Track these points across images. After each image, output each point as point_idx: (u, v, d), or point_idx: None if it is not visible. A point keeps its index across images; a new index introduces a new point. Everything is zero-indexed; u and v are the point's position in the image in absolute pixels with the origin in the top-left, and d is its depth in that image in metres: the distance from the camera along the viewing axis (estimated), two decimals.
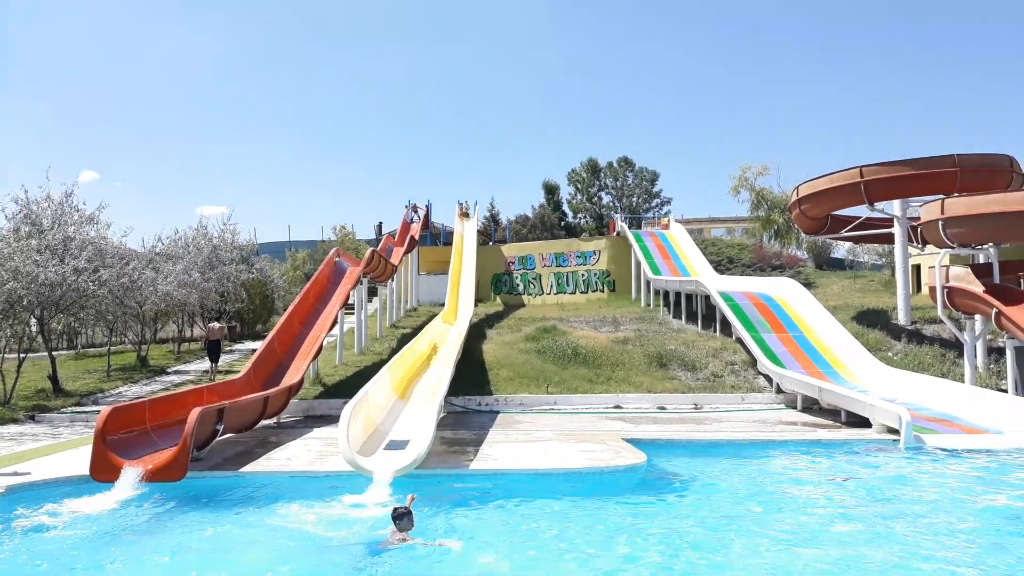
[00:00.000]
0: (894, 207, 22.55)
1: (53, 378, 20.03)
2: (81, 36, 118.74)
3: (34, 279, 17.40)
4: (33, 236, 18.74)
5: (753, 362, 19.18)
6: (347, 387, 17.06)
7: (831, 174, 21.82)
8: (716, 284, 24.51)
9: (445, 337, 19.53)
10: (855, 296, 29.12)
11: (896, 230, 22.89)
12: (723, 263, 35.89)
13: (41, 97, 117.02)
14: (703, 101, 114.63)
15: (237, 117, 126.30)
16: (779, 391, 17.54)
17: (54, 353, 21.41)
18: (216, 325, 23.27)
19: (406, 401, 13.86)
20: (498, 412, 16.59)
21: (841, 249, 44.70)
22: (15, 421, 16.51)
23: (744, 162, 49.34)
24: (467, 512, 8.71)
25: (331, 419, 14.72)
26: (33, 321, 20.23)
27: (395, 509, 7.45)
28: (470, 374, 18.59)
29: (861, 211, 23.22)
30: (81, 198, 21.27)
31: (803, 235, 33.62)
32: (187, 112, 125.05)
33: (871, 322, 22.41)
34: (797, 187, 23.55)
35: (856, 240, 30.16)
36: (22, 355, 19.66)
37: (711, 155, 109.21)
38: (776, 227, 38.39)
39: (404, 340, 21.47)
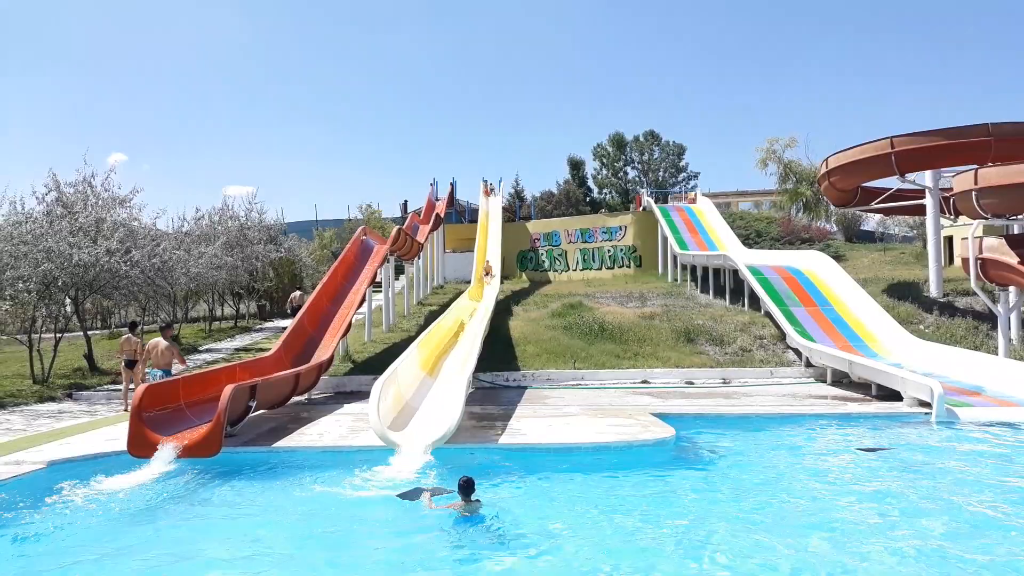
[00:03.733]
0: (926, 178, 22.16)
1: (89, 357, 20.45)
2: (107, 17, 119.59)
3: (68, 260, 17.72)
4: (65, 218, 19.05)
5: (782, 336, 19.06)
6: (376, 364, 17.23)
7: (861, 145, 21.47)
8: (744, 258, 24.32)
9: (472, 314, 19.61)
10: (885, 269, 28.73)
11: (928, 201, 22.51)
12: (751, 237, 35.51)
13: (69, 79, 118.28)
14: (730, 74, 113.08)
15: (264, 98, 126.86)
16: (808, 365, 17.44)
17: (89, 333, 21.84)
18: (298, 293, 24.81)
19: (435, 377, 13.98)
20: (526, 388, 16.68)
21: (871, 221, 44.07)
22: (53, 399, 16.90)
23: (772, 134, 48.52)
24: (497, 486, 8.79)
25: (361, 395, 14.90)
26: (68, 301, 20.64)
27: (466, 479, 7.54)
28: (497, 350, 18.68)
29: (892, 183, 22.84)
30: (116, 182, 21.62)
31: (832, 208, 33.17)
32: (213, 93, 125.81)
33: (902, 295, 22.13)
34: (826, 159, 23.21)
35: (887, 212, 29.70)
36: (58, 335, 20.08)
37: (738, 128, 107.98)
38: (804, 200, 37.86)
39: (431, 317, 21.59)
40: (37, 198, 19.62)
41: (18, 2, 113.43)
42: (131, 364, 15.48)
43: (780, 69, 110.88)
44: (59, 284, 18.26)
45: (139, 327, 17.64)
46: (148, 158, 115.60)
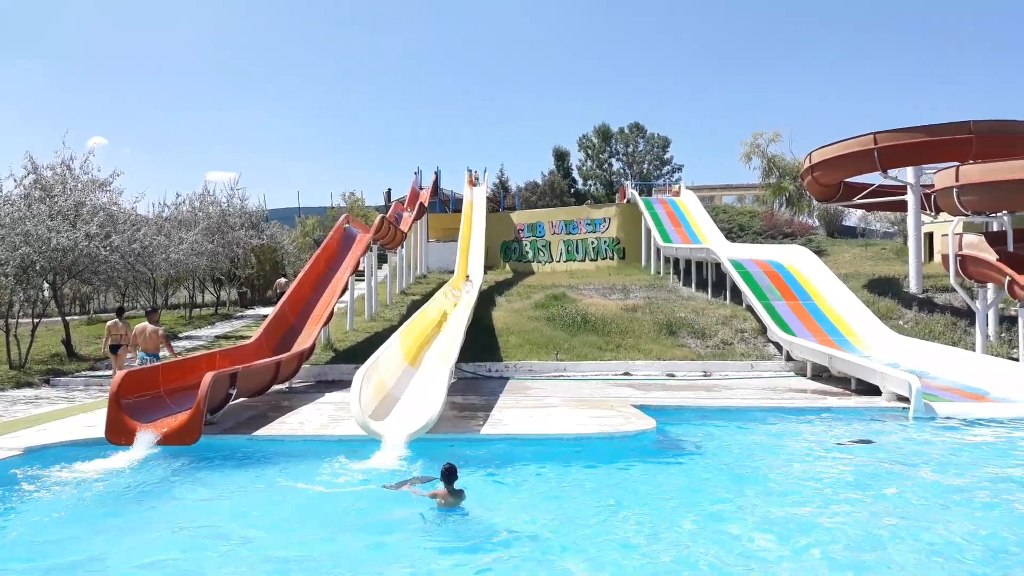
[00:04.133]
0: (908, 174, 22.32)
1: (67, 343, 20.22)
2: (90, 0, 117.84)
3: (46, 244, 17.48)
4: (43, 201, 18.79)
5: (763, 330, 19.17)
6: (358, 353, 17.15)
7: (844, 140, 21.60)
8: (727, 251, 24.41)
9: (455, 304, 19.56)
10: (867, 264, 28.98)
11: (909, 197, 22.68)
12: (734, 230, 35.70)
13: (47, 62, 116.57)
14: (716, 67, 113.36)
15: (246, 84, 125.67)
16: (789, 359, 17.55)
17: (67, 318, 21.59)
18: (283, 279, 24.71)
19: (417, 367, 13.93)
20: (508, 378, 16.68)
21: (853, 217, 44.44)
22: (31, 385, 16.72)
23: (756, 129, 48.89)
24: (479, 476, 8.78)
25: (343, 384, 14.83)
26: (46, 286, 20.38)
27: (448, 466, 7.49)
28: (480, 340, 18.65)
29: (874, 178, 23.02)
30: (96, 164, 21.35)
31: (815, 202, 33.41)
32: (197, 79, 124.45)
33: (882, 290, 22.32)
34: (810, 154, 23.34)
35: (868, 208, 29.96)
36: (36, 320, 19.83)
37: (723, 122, 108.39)
38: (788, 194, 38.15)
39: (414, 307, 21.53)
40: (15, 180, 19.34)
41: None
42: (116, 349, 15.65)
43: (766, 64, 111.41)
44: (37, 268, 18.05)
45: (125, 312, 17.58)
46: (129, 142, 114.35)
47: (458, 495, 7.39)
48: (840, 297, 19.72)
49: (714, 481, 8.67)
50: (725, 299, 22.63)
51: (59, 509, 7.81)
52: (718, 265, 23.60)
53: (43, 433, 10.67)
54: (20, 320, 19.39)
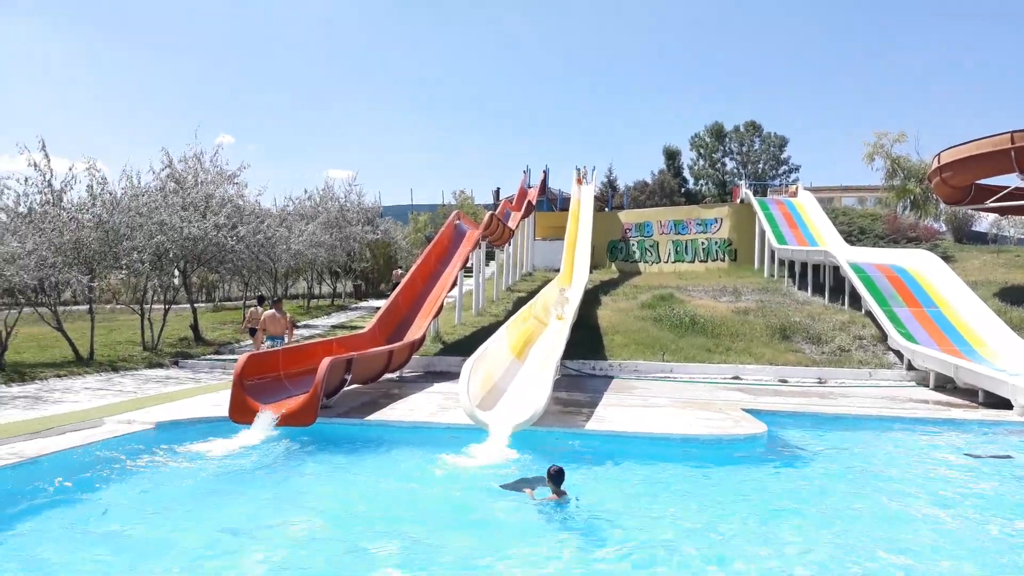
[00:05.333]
0: None
1: (194, 327, 21.52)
2: (216, 7, 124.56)
3: (179, 232, 18.64)
4: (177, 193, 20.04)
5: (883, 337, 18.32)
6: (465, 345, 17.46)
7: (977, 140, 20.29)
8: (846, 255, 23.43)
9: (543, 326, 19.57)
10: (998, 272, 27.16)
11: None
12: (854, 234, 34.13)
13: (181, 63, 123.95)
14: (837, 64, 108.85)
15: (363, 85, 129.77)
16: (910, 368, 16.71)
17: (195, 305, 22.96)
18: (400, 270, 25.72)
19: (522, 361, 14.06)
20: (612, 377, 16.59)
21: (984, 222, 41.74)
22: (161, 366, 17.87)
23: (879, 128, 46.60)
24: (582, 471, 8.80)
25: (450, 375, 15.15)
26: (177, 273, 21.74)
27: (557, 469, 7.41)
28: (585, 339, 18.62)
29: (1010, 180, 21.55)
30: (224, 158, 22.63)
31: (942, 206, 31.59)
32: (317, 80, 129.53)
33: (1016, 299, 20.88)
34: (938, 154, 22.07)
35: (1002, 212, 28.04)
36: (167, 306, 21.19)
37: (843, 121, 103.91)
38: (912, 197, 36.24)
39: (519, 303, 21.70)
40: (152, 172, 20.71)
41: None
42: (254, 332, 17.31)
43: (890, 59, 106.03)
44: (170, 256, 19.27)
45: (267, 300, 18.93)
46: (254, 140, 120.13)
47: (562, 495, 7.37)
48: (968, 305, 18.59)
49: (828, 489, 8.37)
50: (843, 304, 21.75)
51: (186, 478, 8.36)
52: (836, 269, 22.70)
53: (173, 410, 11.41)
54: (153, 306, 20.76)
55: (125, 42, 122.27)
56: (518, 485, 7.81)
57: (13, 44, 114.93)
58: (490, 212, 24.10)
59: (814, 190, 38.12)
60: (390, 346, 14.65)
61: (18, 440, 9.08)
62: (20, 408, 11.66)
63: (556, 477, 7.37)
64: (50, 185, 17.20)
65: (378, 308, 18.52)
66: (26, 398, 12.72)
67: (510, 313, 19.86)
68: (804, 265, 25.57)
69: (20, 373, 15.12)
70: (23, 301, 16.68)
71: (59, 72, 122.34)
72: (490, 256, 28.60)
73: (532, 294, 22.65)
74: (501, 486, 7.89)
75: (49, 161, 17.10)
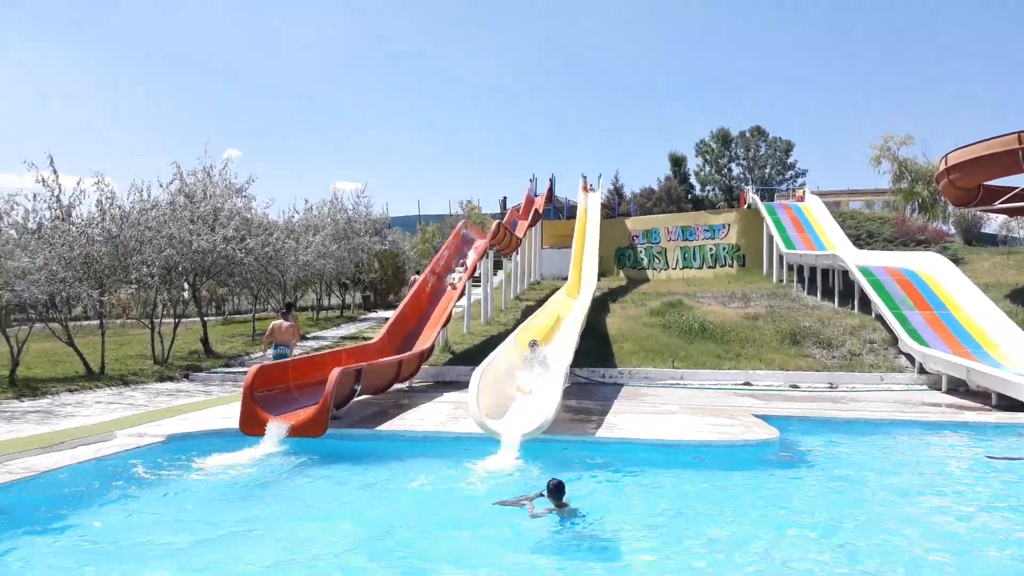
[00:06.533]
0: None
1: (204, 340, 21.57)
2: (224, 24, 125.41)
3: (188, 246, 18.70)
4: (186, 207, 20.12)
5: (894, 340, 18.22)
6: (474, 355, 17.44)
7: (985, 140, 20.20)
8: (855, 258, 23.34)
9: (569, 309, 19.58)
10: (1009, 273, 26.99)
11: None
12: (862, 237, 34.00)
13: (186, 79, 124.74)
14: (841, 67, 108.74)
15: (369, 98, 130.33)
16: (922, 372, 16.61)
17: (205, 318, 23.04)
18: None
19: (531, 370, 14.00)
20: (622, 385, 16.54)
21: (993, 223, 41.50)
22: (172, 379, 17.90)
23: (885, 132, 46.51)
24: (593, 479, 8.78)
25: (459, 385, 15.13)
26: (186, 286, 21.82)
27: (557, 483, 7.24)
28: (593, 347, 18.60)
29: (1019, 181, 21.43)
30: (233, 171, 22.71)
31: (951, 208, 31.43)
32: (322, 94, 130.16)
33: None
34: (946, 155, 21.98)
35: (1011, 213, 27.86)
36: (177, 319, 21.25)
37: (849, 124, 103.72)
38: (920, 199, 36.12)
39: (528, 312, 21.69)
40: (161, 185, 20.81)
41: (142, 10, 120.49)
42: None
43: (895, 63, 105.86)
44: (179, 269, 19.32)
45: (293, 309, 18.65)
46: (261, 155, 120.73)
47: (564, 508, 7.19)
48: (979, 307, 18.48)
49: (843, 494, 8.30)
50: (853, 308, 21.66)
51: (197, 491, 8.37)
52: (845, 273, 22.62)
53: (184, 422, 11.43)
54: (163, 320, 20.81)
55: (133, 59, 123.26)
56: (518, 501, 7.51)
57: (21, 62, 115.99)
58: (497, 221, 24.11)
59: (821, 194, 38.04)
60: (399, 356, 14.66)
61: (30, 454, 9.10)
62: (32, 423, 11.70)
63: (556, 491, 7.18)
64: (59, 201, 17.28)
65: (387, 319, 18.54)
66: (38, 413, 12.76)
67: (519, 321, 19.84)
68: (813, 270, 25.48)
69: (32, 388, 15.17)
70: (34, 317, 16.75)
71: (66, 89, 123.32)
72: (498, 265, 28.58)
73: (540, 303, 22.63)
74: (497, 503, 7.60)
75: (57, 177, 17.18)
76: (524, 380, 12.54)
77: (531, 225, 31.43)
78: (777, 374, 17.06)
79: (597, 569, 6.08)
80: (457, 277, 17.50)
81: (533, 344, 13.84)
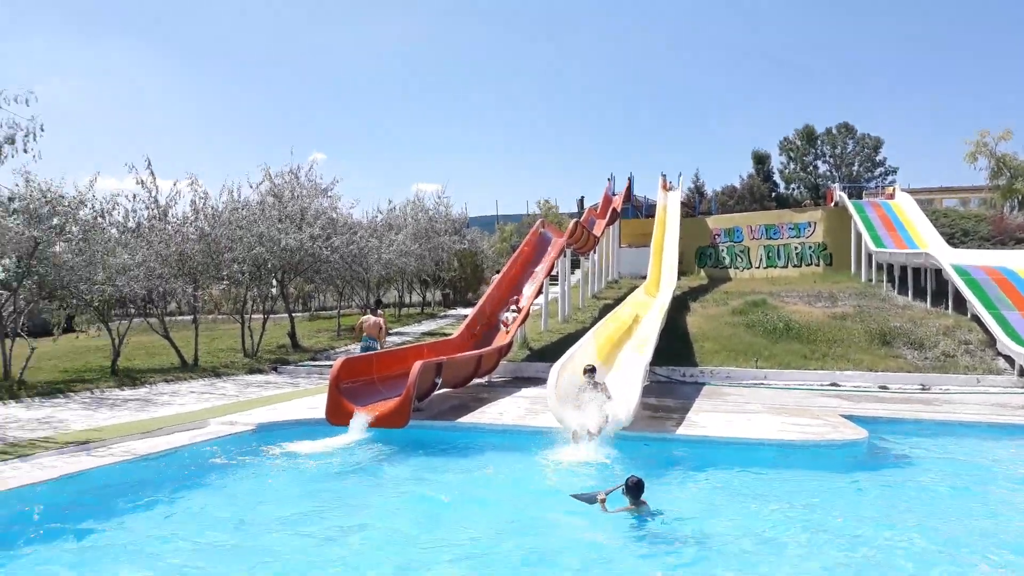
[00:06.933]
0: None
1: (292, 335, 22.29)
2: (312, 31, 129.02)
3: (277, 244, 19.37)
4: (275, 207, 20.84)
5: (991, 342, 17.40)
6: (552, 351, 17.46)
7: None
8: (949, 257, 22.38)
9: (647, 308, 19.40)
10: None
11: None
12: (956, 236, 32.54)
13: (275, 86, 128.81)
14: (933, 61, 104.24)
15: (448, 101, 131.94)
16: (1022, 374, 15.81)
17: (292, 314, 23.80)
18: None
19: (610, 366, 13.97)
20: (703, 384, 16.30)
21: None
22: (261, 371, 18.57)
23: (979, 127, 44.41)
24: (674, 476, 8.70)
25: (538, 381, 15.19)
26: (275, 283, 22.60)
27: (637, 480, 7.03)
28: (673, 346, 18.38)
29: None
30: (319, 173, 23.43)
31: None
32: (403, 97, 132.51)
33: None
34: None
35: None
36: (266, 315, 22.02)
37: (942, 120, 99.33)
38: (1020, 197, 34.38)
39: (605, 310, 21.58)
40: (251, 186, 21.61)
41: (233, 18, 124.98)
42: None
43: (988, 56, 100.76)
44: (268, 267, 20.02)
45: (381, 305, 19.31)
46: (345, 157, 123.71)
47: (641, 507, 7.01)
48: None
49: (934, 497, 8.01)
50: (946, 308, 20.77)
51: (285, 477, 8.70)
52: (938, 272, 21.71)
53: (272, 412, 11.87)
54: (252, 315, 21.59)
55: (220, 67, 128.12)
56: (592, 496, 7.25)
57: (121, 73, 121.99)
58: (575, 220, 24.08)
59: (912, 192, 36.57)
60: (479, 351, 14.83)
61: (131, 439, 9.62)
62: (131, 410, 12.35)
63: (635, 489, 6.96)
64: (156, 201, 18.15)
65: (466, 316, 18.78)
66: (137, 401, 13.47)
67: (596, 319, 19.78)
68: (903, 268, 24.56)
69: (131, 378, 16.02)
70: (134, 311, 17.64)
71: (162, 97, 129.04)
72: (575, 264, 28.53)
73: (618, 301, 22.49)
74: (572, 495, 7.38)
75: (155, 178, 18.07)
76: (584, 418, 9.69)
77: (609, 224, 31.25)
78: (866, 375, 16.52)
79: (667, 565, 5.98)
80: (511, 317, 17.53)
81: (591, 370, 11.24)
